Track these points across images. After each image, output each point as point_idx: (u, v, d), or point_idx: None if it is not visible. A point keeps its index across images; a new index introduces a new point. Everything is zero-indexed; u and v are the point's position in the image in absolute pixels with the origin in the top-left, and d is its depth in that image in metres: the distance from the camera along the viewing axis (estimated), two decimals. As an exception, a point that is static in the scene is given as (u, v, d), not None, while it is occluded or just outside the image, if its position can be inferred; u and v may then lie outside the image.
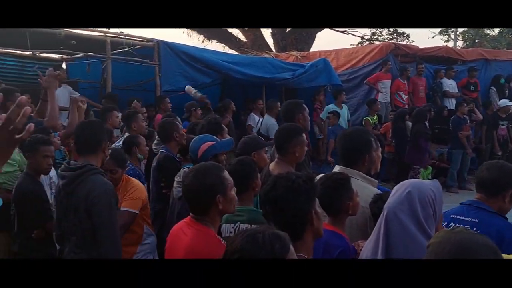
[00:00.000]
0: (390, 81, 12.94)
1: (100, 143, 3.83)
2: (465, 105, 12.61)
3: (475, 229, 3.05)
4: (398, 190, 2.72)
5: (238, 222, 3.44)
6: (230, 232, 3.44)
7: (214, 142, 4.36)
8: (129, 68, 10.11)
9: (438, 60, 14.57)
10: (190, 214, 3.03)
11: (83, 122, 4.28)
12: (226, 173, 3.02)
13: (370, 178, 3.54)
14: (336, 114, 11.41)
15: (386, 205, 2.69)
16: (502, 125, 13.48)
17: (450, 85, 13.85)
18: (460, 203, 3.49)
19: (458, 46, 27.04)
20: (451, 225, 3.29)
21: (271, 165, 4.28)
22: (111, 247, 3.61)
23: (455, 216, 3.37)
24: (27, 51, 9.48)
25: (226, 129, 5.61)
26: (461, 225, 3.23)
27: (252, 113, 11.21)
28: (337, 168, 3.65)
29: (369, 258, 2.69)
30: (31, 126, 1.73)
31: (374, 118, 12.15)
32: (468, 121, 12.48)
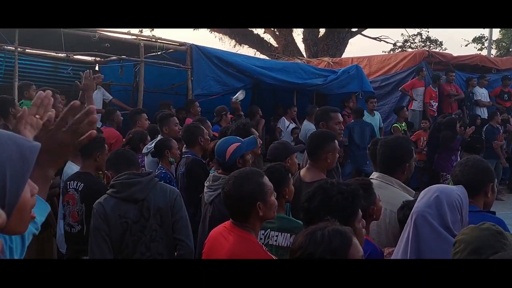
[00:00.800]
0: (423, 88, 12.80)
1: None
2: (499, 114, 12.42)
3: None
4: (426, 195, 2.72)
5: (269, 229, 3.44)
6: (260, 239, 3.43)
7: (240, 143, 4.34)
8: (162, 71, 10.20)
9: (472, 68, 14.38)
10: (230, 219, 3.02)
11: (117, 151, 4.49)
12: (265, 179, 3.00)
13: (408, 187, 3.53)
14: (358, 112, 11.30)
15: (414, 209, 2.69)
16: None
17: (482, 94, 13.68)
18: None
19: (492, 54, 26.60)
20: None
21: (302, 171, 4.27)
22: (190, 234, 3.89)
23: None
24: (61, 53, 9.61)
25: (257, 133, 5.55)
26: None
27: (283, 117, 11.22)
28: (374, 175, 3.67)
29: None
30: (94, 132, 1.76)
31: (403, 125, 12.03)
32: (502, 130, 12.29)
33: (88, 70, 4.82)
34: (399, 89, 12.91)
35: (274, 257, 2.92)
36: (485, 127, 12.19)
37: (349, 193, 2.60)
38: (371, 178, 3.57)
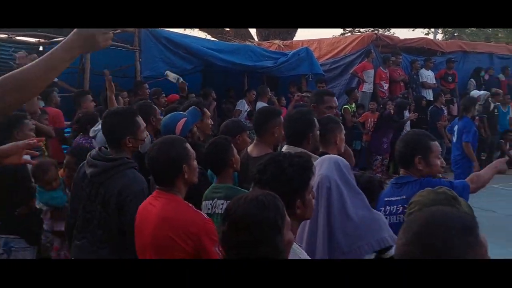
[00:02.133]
0: (373, 70, 13.01)
1: (122, 137, 3.56)
2: (443, 95, 12.76)
3: (406, 205, 2.93)
4: (323, 164, 2.94)
5: (216, 199, 3.49)
6: (208, 209, 3.49)
7: (186, 118, 4.42)
8: (109, 53, 9.98)
9: (418, 51, 14.70)
10: (156, 187, 3.07)
11: (110, 112, 3.83)
12: (188, 145, 3.12)
13: (314, 155, 3.64)
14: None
15: (319, 177, 2.82)
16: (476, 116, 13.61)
17: (428, 76, 14.01)
18: (390, 183, 3.67)
19: (438, 38, 27.21)
20: (387, 209, 3.41)
21: (250, 147, 4.30)
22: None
23: (388, 199, 3.49)
24: (2, 34, 9.32)
25: (209, 113, 5.49)
26: (394, 206, 3.38)
27: (243, 100, 11.26)
28: (284, 148, 3.86)
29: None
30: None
31: (353, 106, 12.21)
32: (446, 111, 12.61)
33: (22, 51, 4.69)
34: (351, 72, 13.08)
35: (203, 214, 3.02)
36: (430, 108, 12.53)
37: (299, 166, 2.63)
38: (282, 151, 3.66)
